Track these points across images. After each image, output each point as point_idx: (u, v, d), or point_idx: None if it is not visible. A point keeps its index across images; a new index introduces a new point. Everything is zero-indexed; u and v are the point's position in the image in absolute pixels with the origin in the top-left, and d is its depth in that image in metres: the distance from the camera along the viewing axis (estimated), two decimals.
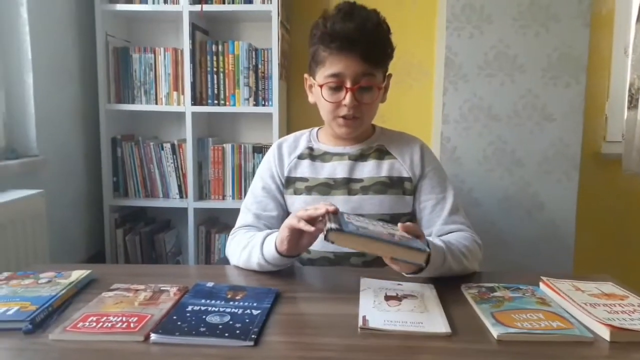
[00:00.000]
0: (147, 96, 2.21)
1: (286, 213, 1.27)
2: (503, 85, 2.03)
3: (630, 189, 2.36)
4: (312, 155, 1.29)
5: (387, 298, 0.91)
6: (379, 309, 0.86)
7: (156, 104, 2.21)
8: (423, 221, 1.24)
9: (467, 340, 0.77)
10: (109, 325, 0.78)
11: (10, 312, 0.81)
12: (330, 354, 0.73)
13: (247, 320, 0.81)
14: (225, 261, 1.19)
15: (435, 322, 0.82)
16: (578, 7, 1.97)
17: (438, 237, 1.13)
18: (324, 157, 1.28)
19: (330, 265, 1.22)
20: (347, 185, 1.23)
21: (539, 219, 2.07)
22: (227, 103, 2.19)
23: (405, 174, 1.25)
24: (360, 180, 1.23)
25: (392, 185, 1.23)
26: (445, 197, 1.24)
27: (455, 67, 2.03)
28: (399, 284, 0.99)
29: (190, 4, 2.10)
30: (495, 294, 0.94)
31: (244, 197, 1.33)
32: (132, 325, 0.78)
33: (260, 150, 2.21)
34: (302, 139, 1.33)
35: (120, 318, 0.80)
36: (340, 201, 1.21)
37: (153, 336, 0.75)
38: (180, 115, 2.22)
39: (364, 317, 0.82)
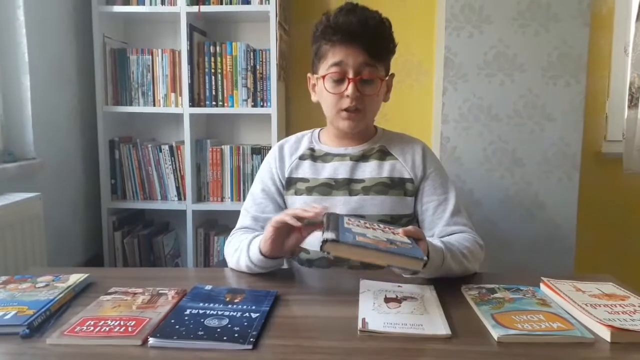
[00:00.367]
0: (144, 98, 2.21)
1: None
2: (503, 85, 2.02)
3: (631, 188, 2.35)
4: (313, 156, 1.28)
5: (387, 300, 0.90)
6: (378, 311, 0.86)
7: (154, 105, 2.21)
8: (425, 223, 1.23)
9: (468, 342, 0.76)
10: (107, 329, 0.77)
11: (7, 317, 0.81)
12: (329, 357, 0.72)
13: (246, 324, 0.80)
14: (224, 264, 1.18)
15: (436, 324, 0.81)
16: (578, 6, 1.96)
17: (439, 238, 1.12)
18: (325, 157, 1.27)
19: (329, 266, 1.21)
20: (348, 185, 1.22)
21: (540, 218, 2.07)
22: (226, 104, 2.18)
23: (406, 175, 1.24)
24: (362, 181, 1.23)
25: (394, 186, 1.23)
26: (447, 198, 1.23)
27: (455, 67, 2.02)
28: (398, 286, 0.98)
29: (188, 5, 2.09)
30: (496, 295, 0.93)
31: (243, 199, 1.33)
32: (130, 329, 0.77)
33: (259, 151, 2.21)
34: (303, 139, 1.33)
35: (118, 322, 0.80)
36: (340, 202, 1.21)
37: (151, 340, 0.74)
38: (178, 117, 2.22)
39: (363, 319, 0.81)
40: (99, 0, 2.12)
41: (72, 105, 2.14)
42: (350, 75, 1.16)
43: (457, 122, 2.05)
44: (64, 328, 0.78)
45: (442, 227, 1.19)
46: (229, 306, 0.87)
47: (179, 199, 2.24)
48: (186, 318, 0.82)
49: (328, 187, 1.23)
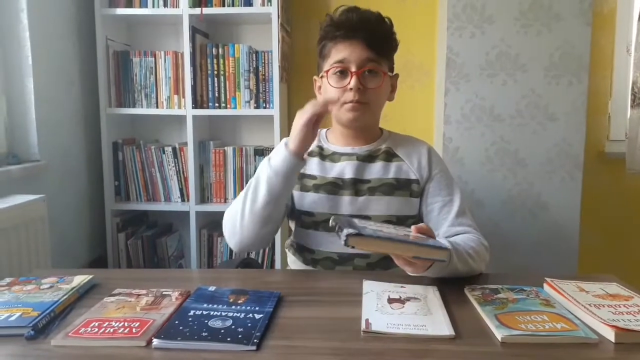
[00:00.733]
0: (147, 100, 2.21)
1: (290, 209, 1.28)
2: (505, 85, 2.02)
3: (634, 188, 2.35)
4: (322, 154, 1.29)
5: (390, 301, 0.90)
6: (382, 311, 0.86)
7: (157, 107, 2.21)
8: (430, 223, 1.23)
9: (471, 343, 0.76)
10: (111, 330, 0.78)
11: (12, 318, 0.81)
12: (333, 358, 0.72)
13: (250, 325, 0.80)
14: (228, 264, 1.18)
15: (439, 324, 0.81)
16: (580, 5, 1.96)
17: (444, 238, 1.12)
18: (333, 157, 1.28)
19: (334, 266, 1.22)
20: (355, 185, 1.23)
21: (543, 219, 2.06)
22: (228, 106, 2.18)
23: (412, 176, 1.25)
24: (368, 182, 1.23)
25: (399, 187, 1.23)
26: (452, 199, 1.24)
27: (457, 67, 2.02)
28: (402, 287, 0.98)
29: (190, 7, 2.09)
30: (499, 295, 0.93)
31: None
32: (134, 330, 0.78)
33: (261, 152, 2.21)
34: None
35: (122, 323, 0.80)
36: (346, 201, 1.22)
37: (155, 341, 0.75)
38: (181, 119, 2.22)
39: (367, 320, 0.81)
40: (102, 3, 2.13)
41: (76, 107, 2.15)
42: (353, 69, 1.18)
43: (459, 122, 2.05)
44: (69, 329, 0.78)
45: (447, 228, 1.20)
46: (233, 307, 0.87)
47: (182, 200, 2.24)
48: (190, 319, 0.82)
49: (335, 187, 1.23)
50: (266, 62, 2.16)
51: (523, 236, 2.07)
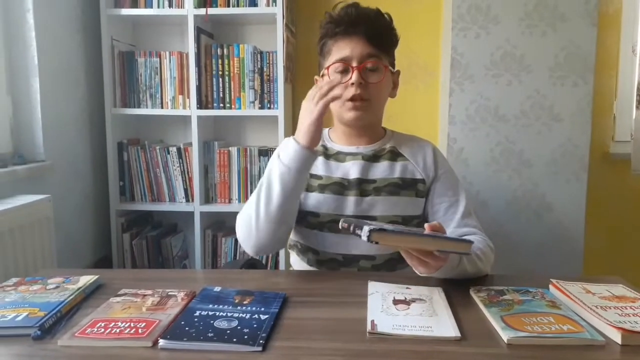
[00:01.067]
0: (152, 100, 2.22)
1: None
2: (510, 85, 2.02)
3: (639, 189, 2.34)
4: (326, 154, 1.28)
5: (396, 302, 0.90)
6: (387, 313, 0.86)
7: (162, 107, 2.22)
8: None
9: (477, 345, 0.76)
10: (118, 330, 0.78)
11: (19, 318, 0.82)
12: (338, 359, 0.72)
13: (255, 325, 0.80)
14: (232, 265, 1.18)
15: (445, 326, 0.81)
16: (585, 6, 1.96)
17: None
18: (338, 156, 1.27)
19: (339, 267, 1.21)
20: (360, 185, 1.22)
21: (548, 220, 2.06)
22: (233, 106, 2.19)
23: (418, 176, 1.24)
24: (373, 181, 1.22)
25: (405, 186, 1.23)
26: (458, 200, 1.23)
27: (462, 67, 2.02)
28: (407, 288, 0.98)
29: (195, 7, 2.10)
30: (505, 297, 0.93)
31: None
32: (140, 330, 0.78)
33: (266, 153, 2.21)
34: None
35: (128, 324, 0.80)
36: (352, 202, 1.21)
37: (161, 342, 0.75)
38: (186, 119, 2.23)
39: (372, 321, 0.81)
40: (107, 3, 2.13)
41: (81, 107, 2.15)
42: (354, 64, 1.18)
43: (464, 123, 2.05)
44: (75, 330, 0.79)
45: (452, 229, 1.19)
46: (238, 308, 0.87)
47: (187, 200, 2.25)
48: (196, 320, 0.82)
49: (341, 187, 1.22)
50: (271, 62, 2.16)
51: (528, 237, 2.07)
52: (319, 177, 1.25)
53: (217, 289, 0.97)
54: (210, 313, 0.85)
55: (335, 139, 1.32)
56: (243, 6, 2.12)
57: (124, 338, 0.76)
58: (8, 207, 1.50)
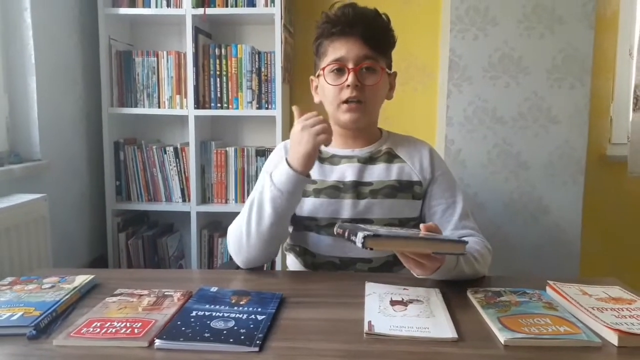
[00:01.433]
0: (149, 100, 2.21)
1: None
2: (508, 87, 2.02)
3: (636, 191, 2.35)
4: (320, 157, 1.26)
5: (393, 303, 0.90)
6: (384, 314, 0.85)
7: (159, 107, 2.21)
8: None
9: (474, 346, 0.76)
10: (113, 330, 0.78)
11: (14, 318, 0.81)
12: None
13: (252, 326, 0.80)
14: (229, 265, 1.18)
15: (442, 327, 0.81)
16: (582, 8, 1.96)
17: None
18: (333, 159, 1.26)
19: (336, 270, 1.21)
20: (356, 188, 1.21)
21: (545, 222, 2.06)
22: (230, 106, 2.18)
23: (415, 178, 1.23)
24: (370, 184, 1.21)
25: (402, 189, 1.22)
26: (455, 201, 1.23)
27: (460, 69, 2.02)
28: (404, 289, 0.98)
29: (193, 7, 2.09)
30: (502, 298, 0.93)
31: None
32: (136, 330, 0.78)
33: (263, 153, 2.21)
34: None
35: (124, 324, 0.80)
36: (348, 205, 1.20)
37: (157, 342, 0.75)
38: (183, 119, 2.22)
39: (369, 322, 0.81)
40: (105, 3, 2.13)
41: (78, 106, 2.15)
42: (350, 66, 1.17)
43: (461, 124, 2.05)
44: (71, 329, 0.78)
45: (450, 231, 1.19)
46: (235, 308, 0.87)
47: (184, 200, 2.24)
48: (192, 320, 0.82)
49: (336, 190, 1.21)
50: (269, 62, 2.16)
51: (525, 239, 2.07)
52: (313, 182, 1.22)
53: (214, 289, 0.96)
54: (207, 313, 0.84)
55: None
56: (241, 6, 2.12)
57: (120, 338, 0.76)
58: (3, 206, 1.49)
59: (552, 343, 0.76)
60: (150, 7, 2.15)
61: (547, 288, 0.98)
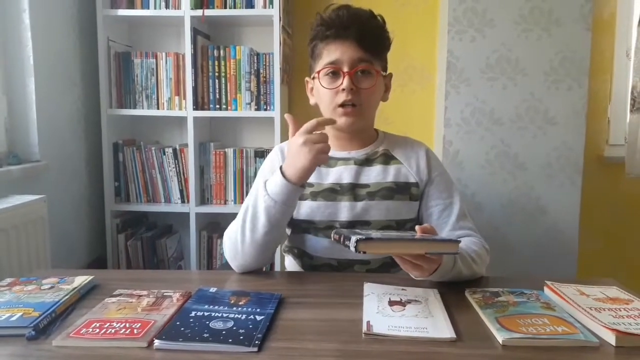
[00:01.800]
0: (148, 101, 2.22)
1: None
2: (505, 88, 2.03)
3: (633, 192, 2.35)
4: None
5: (391, 303, 0.90)
6: (383, 314, 0.86)
7: (158, 108, 2.21)
8: None
9: (472, 346, 0.76)
10: (113, 331, 0.78)
11: (13, 319, 0.81)
12: None
13: (251, 326, 0.80)
14: (227, 266, 1.18)
15: (440, 327, 0.81)
16: (580, 10, 1.97)
17: None
18: (329, 162, 1.24)
19: (334, 272, 1.20)
20: (353, 190, 1.20)
21: (542, 223, 2.07)
22: (229, 108, 2.19)
23: (412, 179, 1.23)
24: (367, 186, 1.21)
25: (399, 190, 1.21)
26: (452, 202, 1.22)
27: (457, 70, 2.03)
28: (402, 289, 0.98)
29: (192, 8, 2.10)
30: (500, 298, 0.93)
31: None
32: (135, 331, 0.78)
33: (262, 154, 2.21)
34: None
35: (123, 324, 0.80)
36: (345, 207, 1.19)
37: (156, 342, 0.75)
38: (182, 120, 2.22)
39: (368, 322, 0.82)
40: (104, 4, 2.13)
41: (77, 108, 2.15)
42: (345, 69, 1.16)
43: (459, 126, 2.06)
44: (70, 330, 0.78)
45: (448, 232, 1.19)
46: (234, 308, 0.87)
47: (183, 201, 2.24)
48: (191, 320, 0.82)
49: (333, 192, 1.21)
50: (267, 64, 2.16)
51: (523, 240, 2.07)
52: (310, 185, 1.22)
53: (213, 289, 0.97)
54: (206, 314, 0.85)
55: None
56: (240, 8, 2.13)
57: (119, 338, 0.76)
58: (2, 207, 1.50)
59: (550, 343, 0.76)
60: (148, 8, 2.15)
61: (545, 288, 0.98)
